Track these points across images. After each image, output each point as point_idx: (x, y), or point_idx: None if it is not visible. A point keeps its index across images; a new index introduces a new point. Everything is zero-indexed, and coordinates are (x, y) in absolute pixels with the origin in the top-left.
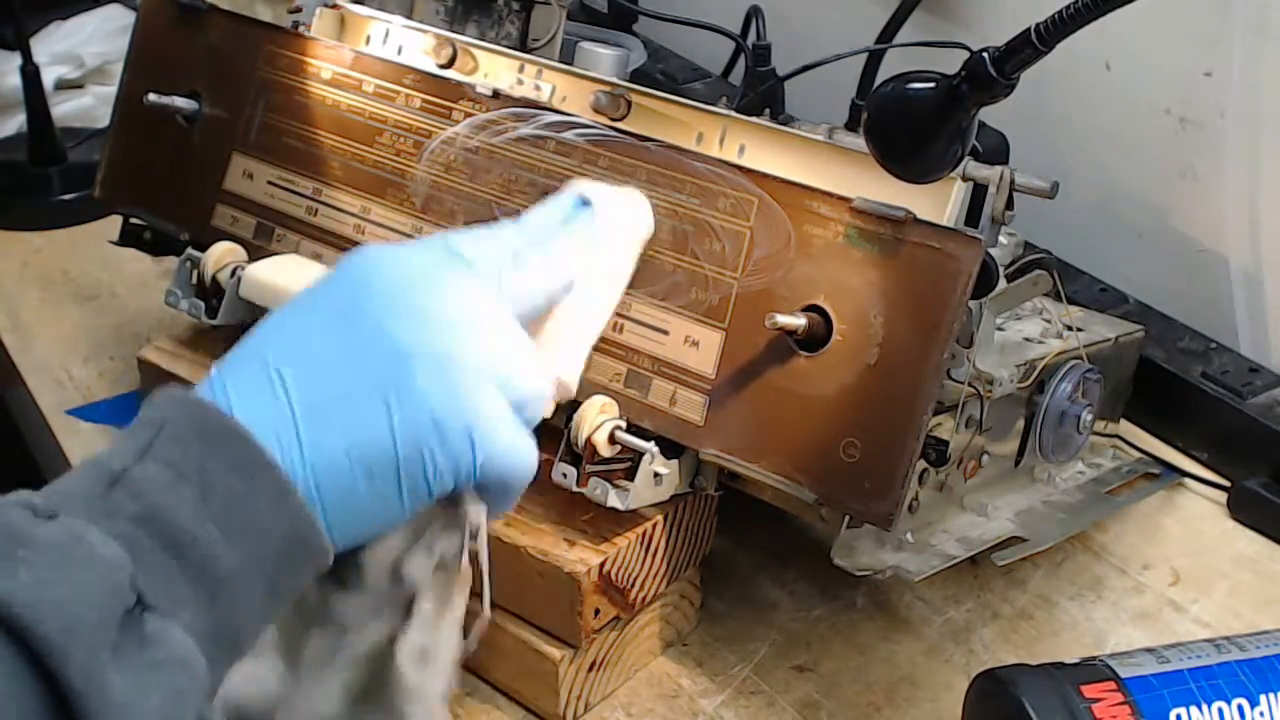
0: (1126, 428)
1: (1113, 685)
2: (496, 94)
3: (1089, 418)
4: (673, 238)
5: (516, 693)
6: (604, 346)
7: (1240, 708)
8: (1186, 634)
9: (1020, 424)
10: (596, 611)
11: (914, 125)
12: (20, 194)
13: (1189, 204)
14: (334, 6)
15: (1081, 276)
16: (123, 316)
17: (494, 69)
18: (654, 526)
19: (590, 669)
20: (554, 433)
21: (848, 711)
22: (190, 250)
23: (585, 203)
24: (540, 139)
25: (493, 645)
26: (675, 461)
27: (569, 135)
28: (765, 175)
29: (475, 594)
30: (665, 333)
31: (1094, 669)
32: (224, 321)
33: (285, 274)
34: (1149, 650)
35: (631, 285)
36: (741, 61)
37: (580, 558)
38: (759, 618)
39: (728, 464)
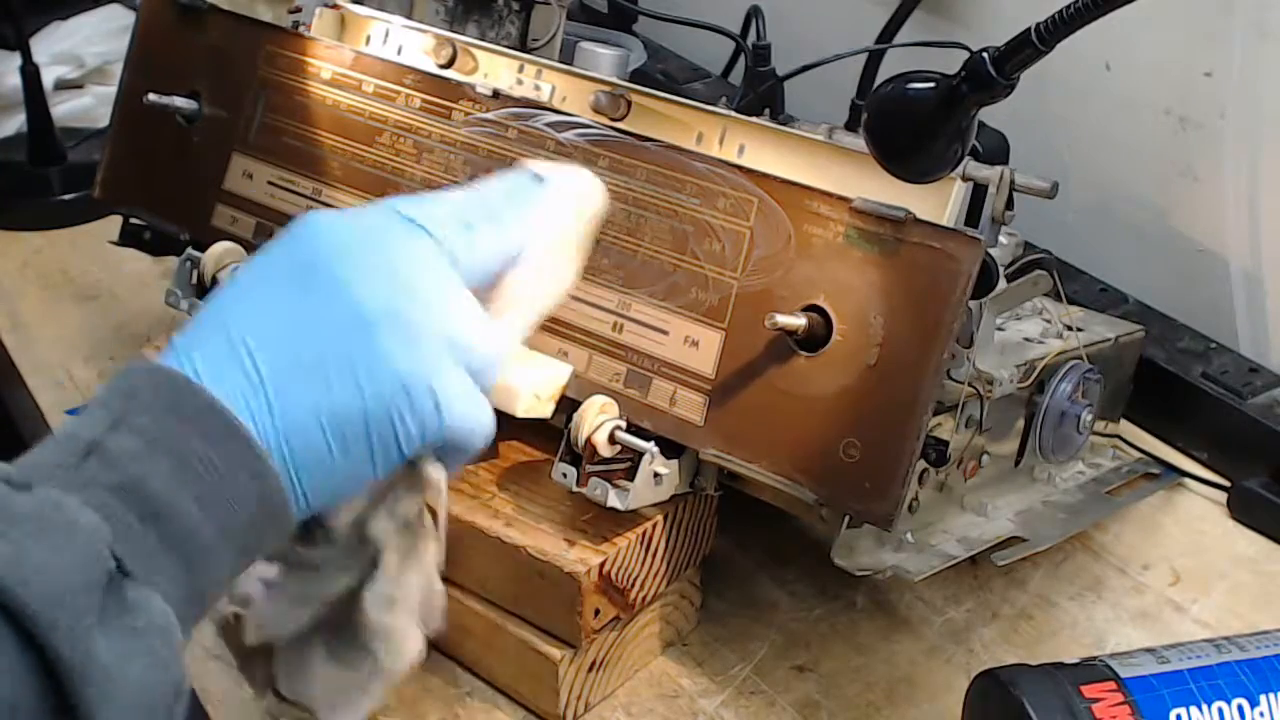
0: (1126, 428)
1: (1113, 685)
2: (496, 94)
3: (1089, 418)
4: (673, 238)
5: (516, 693)
6: (604, 346)
7: (1240, 708)
8: (1186, 634)
9: (1020, 424)
10: (596, 611)
11: (914, 125)
12: (20, 194)
13: (1189, 204)
14: (334, 6)
15: (1081, 276)
16: (123, 316)
17: (494, 69)
18: (654, 526)
19: (590, 669)
20: (554, 433)
21: (848, 711)
22: (190, 250)
23: (537, 179)
24: (540, 139)
25: (493, 645)
26: (675, 461)
27: (569, 135)
28: (765, 175)
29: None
30: (665, 333)
31: (1094, 669)
32: None
33: None
34: (1149, 650)
35: (632, 285)
36: (741, 61)
37: (580, 558)
38: (759, 618)
39: (728, 464)
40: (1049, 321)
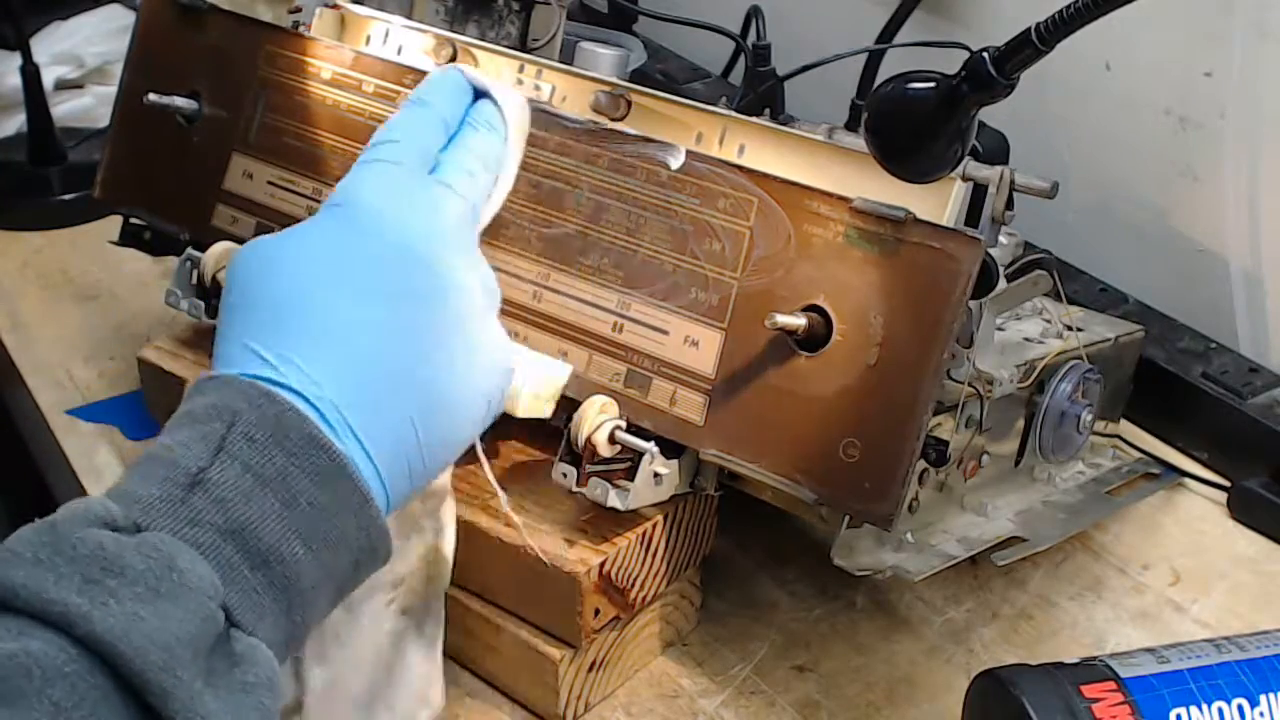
0: (1126, 428)
1: (1113, 685)
2: None
3: (1089, 418)
4: (673, 238)
5: (516, 693)
6: (604, 346)
7: (1240, 708)
8: (1186, 634)
9: (1020, 424)
10: (596, 611)
11: (914, 125)
12: (20, 194)
13: (1189, 204)
14: (334, 6)
15: (1081, 276)
16: (123, 316)
17: (494, 69)
18: (654, 526)
19: (590, 669)
20: (554, 433)
21: (848, 711)
22: (190, 250)
23: (480, 94)
24: (542, 141)
25: (493, 645)
26: (675, 461)
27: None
28: (765, 175)
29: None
30: (665, 333)
31: (1094, 669)
32: None
33: None
34: (1149, 650)
35: (632, 285)
36: (741, 61)
37: (580, 558)
38: (759, 618)
39: (728, 464)
40: (1049, 321)
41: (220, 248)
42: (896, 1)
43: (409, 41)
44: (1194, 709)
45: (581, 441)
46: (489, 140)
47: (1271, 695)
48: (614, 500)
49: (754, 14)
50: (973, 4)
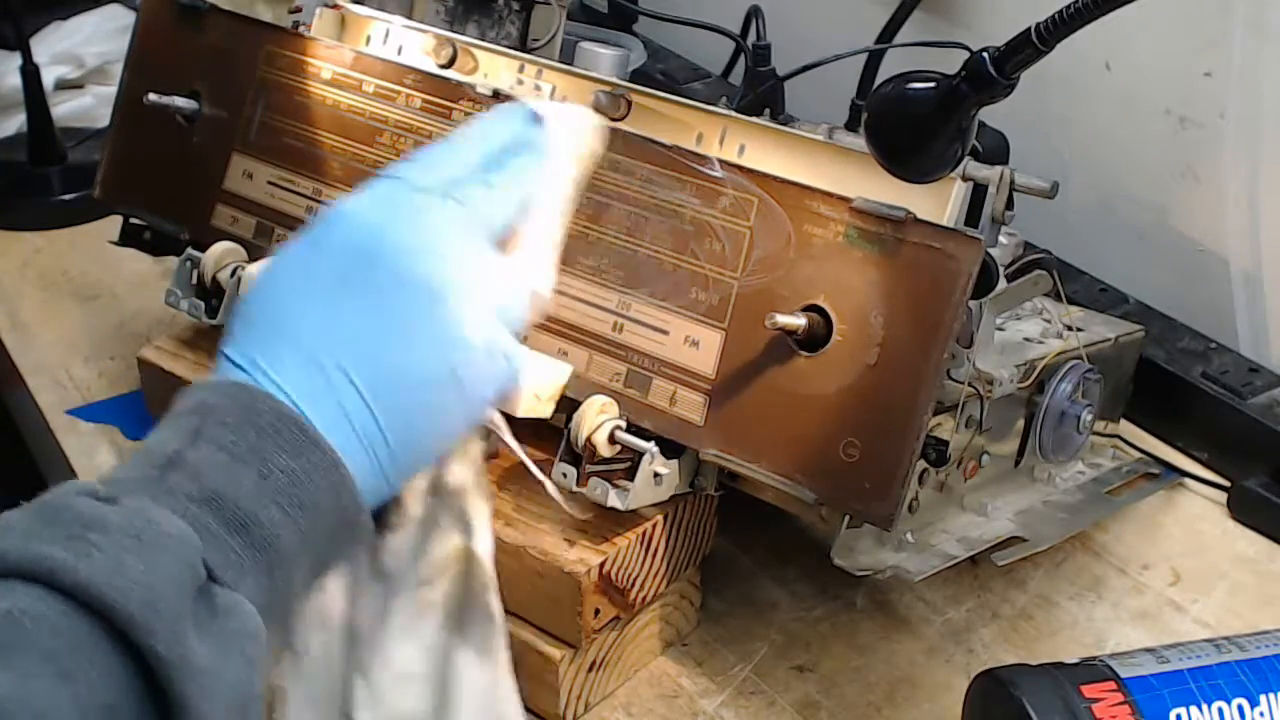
0: (1126, 428)
1: (1113, 685)
2: (497, 94)
3: (1089, 418)
4: (673, 238)
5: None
6: (604, 346)
7: (1240, 708)
8: (1186, 634)
9: (1020, 424)
10: (596, 611)
11: (914, 125)
12: (20, 194)
13: (1189, 204)
14: (334, 6)
15: (1081, 276)
16: (123, 316)
17: (494, 69)
18: (654, 526)
19: (590, 669)
20: (554, 433)
21: (848, 711)
22: (190, 250)
23: (536, 119)
24: None
25: None
26: (675, 461)
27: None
28: (765, 175)
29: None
30: (665, 333)
31: (1094, 669)
32: (224, 321)
33: None
34: (1149, 650)
35: (632, 285)
36: (741, 61)
37: (580, 558)
38: (759, 618)
39: (728, 464)
40: (1049, 321)
41: (220, 248)
42: (896, 1)
43: (409, 41)
44: (1194, 709)
45: (581, 441)
46: (523, 159)
47: (1271, 695)
48: (614, 500)
49: (754, 14)
50: (973, 4)
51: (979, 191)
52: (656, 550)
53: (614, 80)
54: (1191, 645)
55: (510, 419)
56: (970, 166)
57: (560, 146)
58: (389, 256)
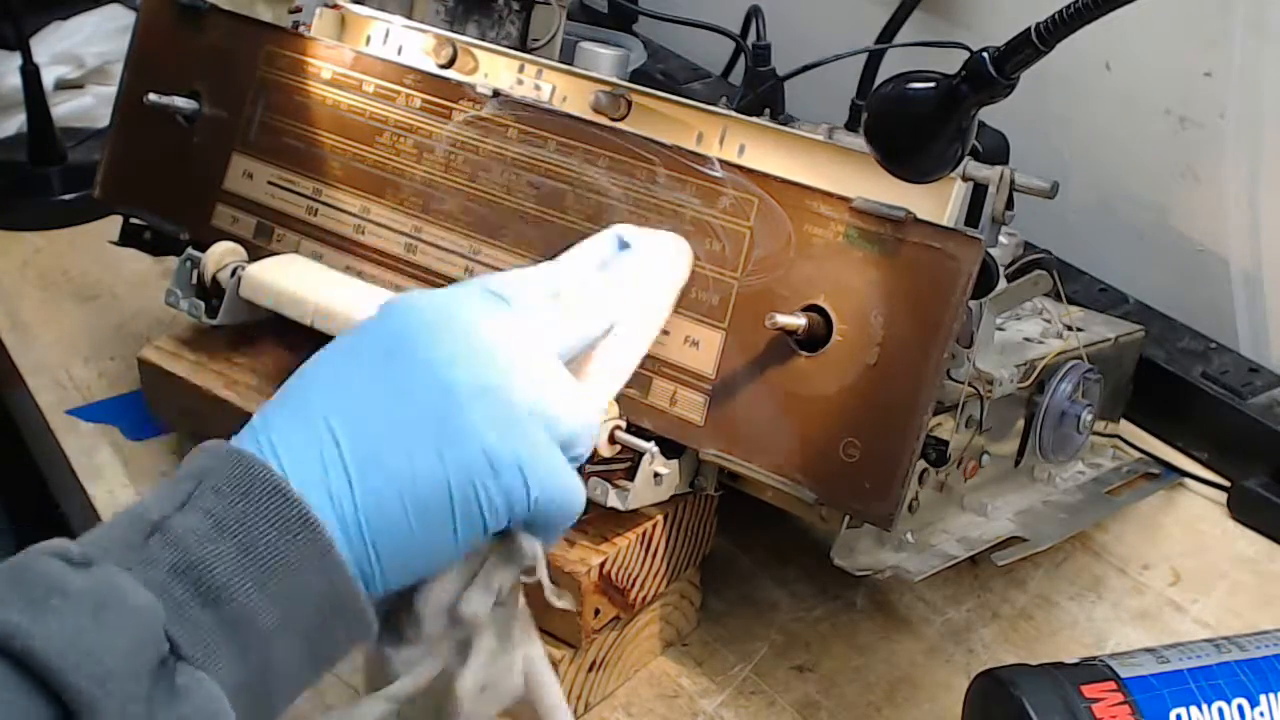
0: (1126, 428)
1: (1113, 685)
2: (496, 94)
3: (1089, 418)
4: None
5: None
6: None
7: (1240, 708)
8: (1186, 634)
9: (1020, 424)
10: (596, 611)
11: (914, 125)
12: (20, 194)
13: (1189, 204)
14: (334, 6)
15: (1081, 276)
16: (123, 316)
17: (494, 69)
18: (654, 526)
19: (590, 669)
20: None
21: (848, 711)
22: (190, 250)
23: (624, 245)
24: (543, 140)
25: None
26: (675, 461)
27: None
28: (765, 175)
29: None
30: (665, 333)
31: (1094, 669)
32: (224, 321)
33: (285, 274)
34: (1149, 650)
35: None
36: (741, 61)
37: (580, 558)
38: (759, 618)
39: (728, 464)
40: (1049, 321)
41: (220, 248)
42: (896, 1)
43: (409, 41)
44: (1194, 709)
45: None
46: (601, 279)
47: (1271, 695)
48: (614, 500)
49: (754, 14)
50: (973, 4)
51: (979, 191)
52: (656, 550)
53: (614, 80)
54: (1191, 645)
55: None
56: (970, 166)
57: (648, 272)
58: (424, 344)
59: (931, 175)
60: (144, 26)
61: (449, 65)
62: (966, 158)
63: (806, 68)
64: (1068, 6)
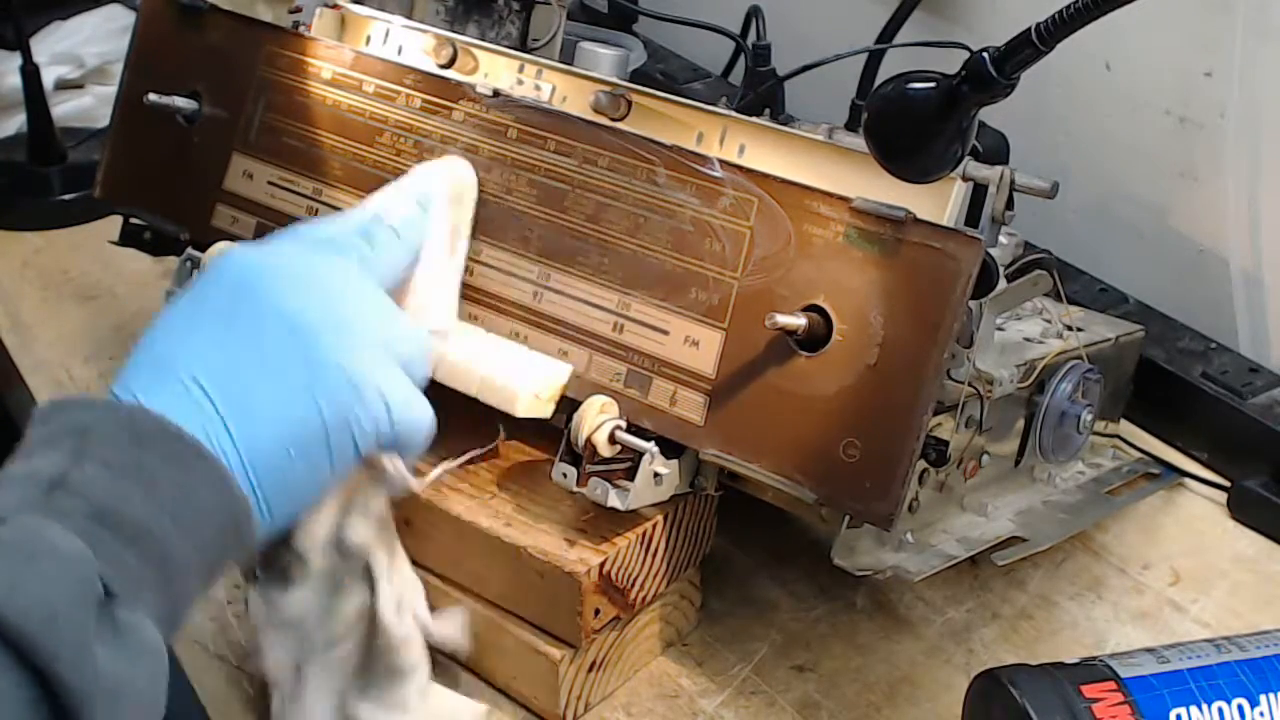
0: (1126, 428)
1: (1113, 685)
2: (496, 94)
3: (1089, 418)
4: (673, 238)
5: (517, 693)
6: (604, 346)
7: (1240, 708)
8: (1186, 634)
9: (1020, 424)
10: (596, 611)
11: (914, 125)
12: (20, 194)
13: (1189, 204)
14: (334, 6)
15: (1081, 276)
16: (123, 316)
17: (494, 69)
18: (654, 526)
19: (590, 669)
20: (554, 433)
21: (848, 711)
22: (190, 250)
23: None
24: (542, 140)
25: (493, 645)
26: (675, 461)
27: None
28: (765, 175)
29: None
30: (665, 333)
31: (1094, 669)
32: None
33: None
34: (1149, 650)
35: (632, 285)
36: (741, 61)
37: (580, 558)
38: (759, 618)
39: (728, 464)
40: (1049, 321)
41: (220, 248)
42: (896, 1)
43: (409, 41)
44: (1194, 709)
45: (581, 441)
46: (405, 215)
47: (1271, 695)
48: (614, 500)
49: (754, 14)
50: (973, 4)
51: (979, 191)
52: (656, 550)
53: (614, 80)
54: (1191, 645)
55: (511, 419)
56: (970, 166)
57: (436, 196)
58: (267, 292)
59: (931, 175)
60: (144, 26)
61: (449, 65)
62: (966, 158)
63: (806, 68)
64: (1068, 6)
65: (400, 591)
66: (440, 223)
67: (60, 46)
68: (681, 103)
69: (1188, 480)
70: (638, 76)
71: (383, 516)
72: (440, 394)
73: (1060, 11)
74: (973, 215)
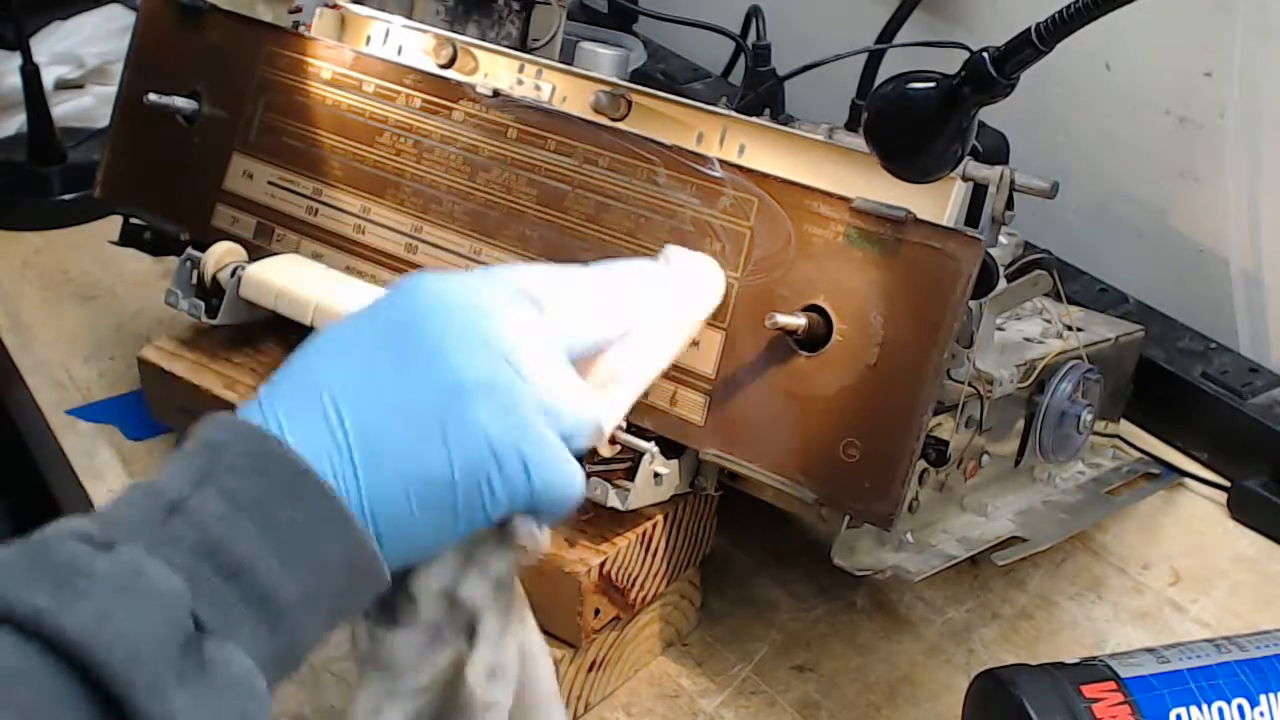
0: (1126, 428)
1: (1113, 685)
2: (496, 94)
3: (1089, 418)
4: (673, 237)
5: None
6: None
7: (1240, 708)
8: (1186, 634)
9: (1020, 424)
10: (596, 611)
11: (914, 125)
12: (20, 194)
13: (1189, 204)
14: (334, 6)
15: (1081, 276)
16: (123, 316)
17: (494, 69)
18: (654, 526)
19: (590, 669)
20: None
21: (848, 711)
22: (190, 250)
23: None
24: (542, 140)
25: None
26: (675, 461)
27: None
28: (765, 175)
29: None
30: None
31: (1094, 669)
32: (224, 321)
33: (285, 274)
34: (1149, 650)
35: None
36: (741, 61)
37: (580, 558)
38: (759, 618)
39: (728, 464)
40: (1049, 321)
41: (220, 248)
42: (896, 1)
43: (409, 41)
44: (1194, 709)
45: None
46: (634, 289)
47: (1271, 695)
48: (614, 500)
49: (754, 14)
50: (973, 4)
51: (979, 191)
52: (656, 550)
53: (614, 80)
54: (1191, 645)
55: None
56: (970, 166)
57: (676, 288)
58: (438, 333)
59: (931, 175)
60: (144, 26)
61: (449, 65)
62: (966, 158)
63: (806, 68)
64: (1068, 6)
65: (501, 661)
66: (669, 313)
67: (60, 46)
68: (681, 103)
69: (1188, 480)
70: (638, 76)
71: (502, 578)
72: None
73: (1060, 11)
74: (973, 215)
